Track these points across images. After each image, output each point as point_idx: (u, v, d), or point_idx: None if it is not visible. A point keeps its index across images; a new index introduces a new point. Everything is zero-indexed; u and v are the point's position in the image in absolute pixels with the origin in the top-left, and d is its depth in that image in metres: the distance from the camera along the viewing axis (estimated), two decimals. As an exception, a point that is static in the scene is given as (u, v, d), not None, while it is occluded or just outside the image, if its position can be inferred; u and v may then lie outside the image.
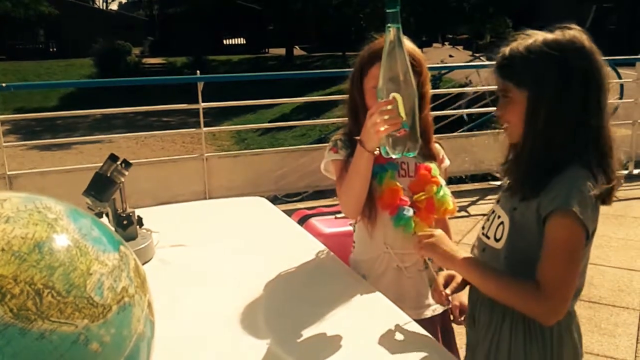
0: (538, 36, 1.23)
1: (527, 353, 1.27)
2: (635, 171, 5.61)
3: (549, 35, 1.22)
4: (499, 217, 1.31)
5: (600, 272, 3.50)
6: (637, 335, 2.86)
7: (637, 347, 2.76)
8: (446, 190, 1.62)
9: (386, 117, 1.25)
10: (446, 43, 34.56)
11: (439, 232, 1.35)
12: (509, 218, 1.28)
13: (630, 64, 6.10)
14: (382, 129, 1.27)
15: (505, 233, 1.28)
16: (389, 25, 1.25)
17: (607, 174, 1.19)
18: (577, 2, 25.86)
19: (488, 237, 1.33)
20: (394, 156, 1.30)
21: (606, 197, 1.21)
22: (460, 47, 33.93)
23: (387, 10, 1.25)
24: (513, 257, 1.26)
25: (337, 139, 1.68)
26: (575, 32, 1.22)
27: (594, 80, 1.18)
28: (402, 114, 1.23)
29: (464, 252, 1.31)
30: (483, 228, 1.38)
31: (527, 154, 1.22)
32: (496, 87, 1.27)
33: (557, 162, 1.19)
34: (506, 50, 1.25)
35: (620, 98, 7.50)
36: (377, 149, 1.39)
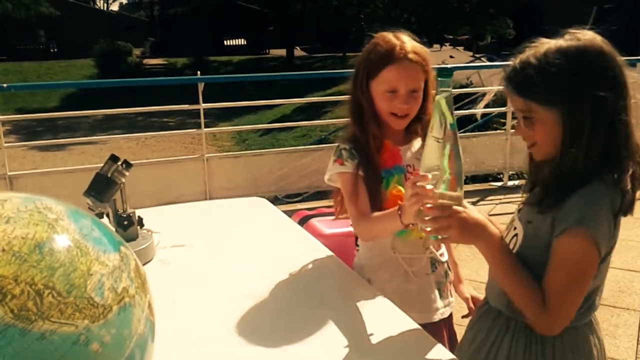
0: (551, 45, 1.14)
1: None
2: (636, 172, 5.59)
3: (563, 43, 1.14)
4: (514, 228, 1.27)
5: (601, 273, 3.49)
6: (638, 336, 2.85)
7: (637, 348, 2.76)
8: None
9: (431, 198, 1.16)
10: (446, 44, 34.53)
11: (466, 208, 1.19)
12: (523, 231, 1.24)
13: (631, 64, 6.09)
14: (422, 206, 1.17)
15: (517, 245, 1.24)
16: (441, 91, 1.11)
17: (634, 182, 1.13)
18: (578, 3, 25.86)
19: None
20: (431, 238, 1.22)
21: (628, 209, 1.16)
22: (460, 48, 33.93)
23: (440, 79, 1.12)
24: None
25: (341, 148, 1.59)
26: (589, 36, 1.14)
27: (620, 83, 1.13)
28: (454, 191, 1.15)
29: (491, 228, 1.20)
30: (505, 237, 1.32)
31: (567, 168, 1.13)
32: (513, 105, 1.19)
33: (589, 174, 1.12)
34: (518, 63, 1.16)
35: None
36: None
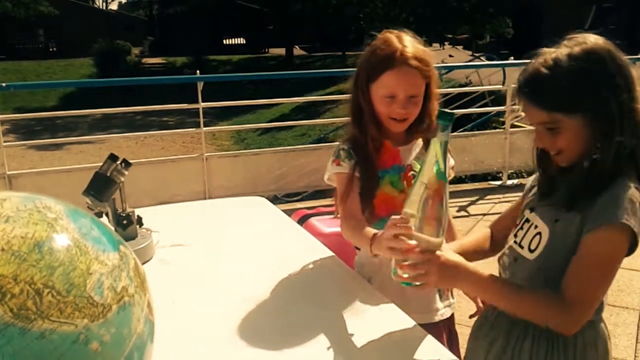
0: (559, 54, 1.13)
1: None
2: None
3: (572, 49, 1.13)
4: (535, 226, 1.25)
5: (600, 272, 3.50)
6: (637, 335, 2.86)
7: (636, 346, 2.76)
8: None
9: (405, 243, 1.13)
10: (446, 43, 34.54)
11: (445, 256, 1.16)
12: (549, 229, 1.22)
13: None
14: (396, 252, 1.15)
15: (542, 245, 1.22)
16: (439, 135, 1.09)
17: None
18: (578, 2, 25.86)
19: (522, 247, 1.28)
20: (404, 284, 1.17)
21: None
22: (460, 47, 33.94)
23: (440, 122, 1.09)
24: (547, 270, 1.21)
25: (340, 148, 1.61)
26: (593, 38, 1.15)
27: (632, 80, 1.14)
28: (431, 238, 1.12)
29: (469, 266, 1.20)
30: (516, 236, 1.31)
31: (597, 169, 1.13)
32: (533, 119, 1.17)
33: (617, 172, 1.13)
34: (530, 77, 1.15)
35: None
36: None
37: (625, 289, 3.31)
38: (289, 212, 2.19)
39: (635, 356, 2.69)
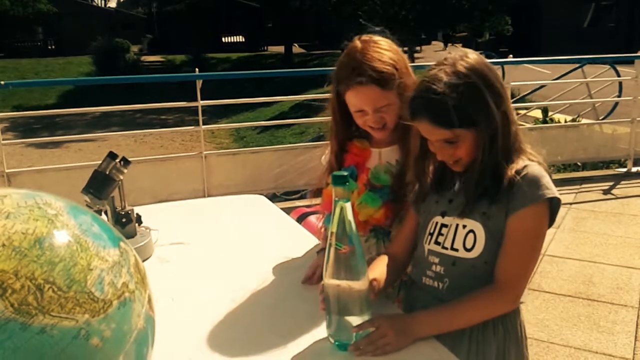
0: (448, 73, 1.21)
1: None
2: (634, 169, 5.61)
3: (459, 67, 1.21)
4: (464, 226, 1.28)
5: (598, 270, 3.51)
6: (636, 333, 2.86)
7: (635, 344, 2.77)
8: (371, 197, 1.53)
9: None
10: (450, 44, 34.53)
11: (383, 328, 1.18)
12: (481, 224, 1.26)
13: (629, 61, 6.11)
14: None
15: (482, 239, 1.26)
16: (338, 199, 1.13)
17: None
18: (576, 0, 25.85)
19: (456, 250, 1.29)
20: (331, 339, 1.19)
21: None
22: (459, 45, 33.94)
23: (335, 186, 1.13)
24: (493, 262, 1.26)
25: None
26: (475, 55, 1.25)
27: (503, 88, 1.25)
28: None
29: (417, 313, 1.27)
30: (438, 243, 1.33)
31: (492, 166, 1.24)
32: (433, 137, 1.25)
33: (513, 161, 1.25)
34: (429, 101, 1.20)
35: (619, 96, 7.53)
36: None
37: (623, 287, 3.32)
38: (288, 210, 2.20)
39: (633, 354, 2.70)
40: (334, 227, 1.13)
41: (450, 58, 1.25)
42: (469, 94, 1.20)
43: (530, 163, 1.26)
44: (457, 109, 1.19)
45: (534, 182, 1.22)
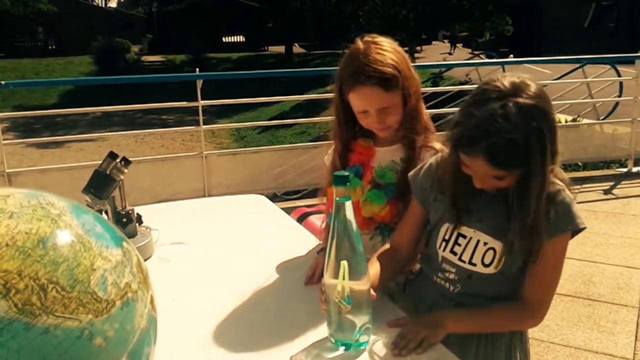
0: (502, 112, 1.10)
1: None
2: (634, 169, 5.61)
3: (508, 103, 1.11)
4: (485, 243, 1.27)
5: (599, 270, 3.51)
6: (636, 333, 2.86)
7: (635, 344, 2.77)
8: (376, 194, 1.53)
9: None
10: (445, 41, 34.51)
11: (413, 327, 1.21)
12: (501, 243, 1.25)
13: (630, 62, 6.10)
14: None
15: (502, 258, 1.26)
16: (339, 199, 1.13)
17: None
18: (576, 0, 25.84)
19: (473, 264, 1.29)
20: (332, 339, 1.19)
21: None
22: (459, 45, 33.94)
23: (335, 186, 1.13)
24: (508, 272, 1.27)
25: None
26: (538, 90, 1.16)
27: (552, 111, 1.20)
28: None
29: (441, 317, 1.26)
30: (454, 253, 1.31)
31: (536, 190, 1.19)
32: (483, 172, 1.18)
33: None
34: (492, 143, 1.11)
35: (620, 96, 7.52)
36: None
37: (624, 287, 3.32)
38: (288, 210, 2.20)
39: (634, 354, 2.70)
40: (334, 227, 1.13)
41: (512, 85, 1.14)
42: (533, 140, 1.11)
43: (559, 186, 1.24)
44: (518, 154, 1.12)
45: (568, 211, 1.23)
